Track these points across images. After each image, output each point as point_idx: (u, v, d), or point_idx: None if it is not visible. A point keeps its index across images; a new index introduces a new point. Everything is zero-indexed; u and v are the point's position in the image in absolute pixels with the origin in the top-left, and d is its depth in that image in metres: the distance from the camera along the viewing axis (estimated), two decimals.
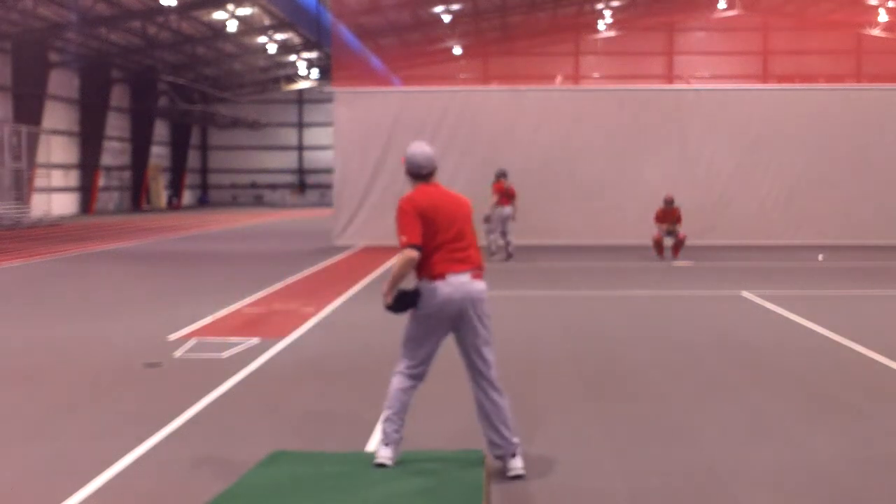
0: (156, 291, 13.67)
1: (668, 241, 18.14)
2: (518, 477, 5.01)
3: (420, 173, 5.20)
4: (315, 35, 39.81)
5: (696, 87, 27.57)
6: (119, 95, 47.08)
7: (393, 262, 5.11)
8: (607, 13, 48.17)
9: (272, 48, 46.71)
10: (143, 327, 10.20)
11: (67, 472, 5.19)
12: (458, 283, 5.02)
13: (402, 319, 5.20)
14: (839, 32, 45.27)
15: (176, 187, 55.47)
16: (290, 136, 61.04)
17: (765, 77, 46.98)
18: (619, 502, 4.79)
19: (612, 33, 50.50)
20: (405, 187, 5.29)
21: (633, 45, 49.32)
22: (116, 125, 47.02)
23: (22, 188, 35.09)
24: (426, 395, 6.89)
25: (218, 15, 39.25)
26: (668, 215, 18.08)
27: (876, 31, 46.34)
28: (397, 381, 5.08)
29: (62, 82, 41.00)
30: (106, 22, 36.57)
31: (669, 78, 48.59)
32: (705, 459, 5.45)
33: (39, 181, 37.36)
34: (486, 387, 5.17)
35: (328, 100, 26.96)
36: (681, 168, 22.15)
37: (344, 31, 31.48)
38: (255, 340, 9.24)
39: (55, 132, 39.90)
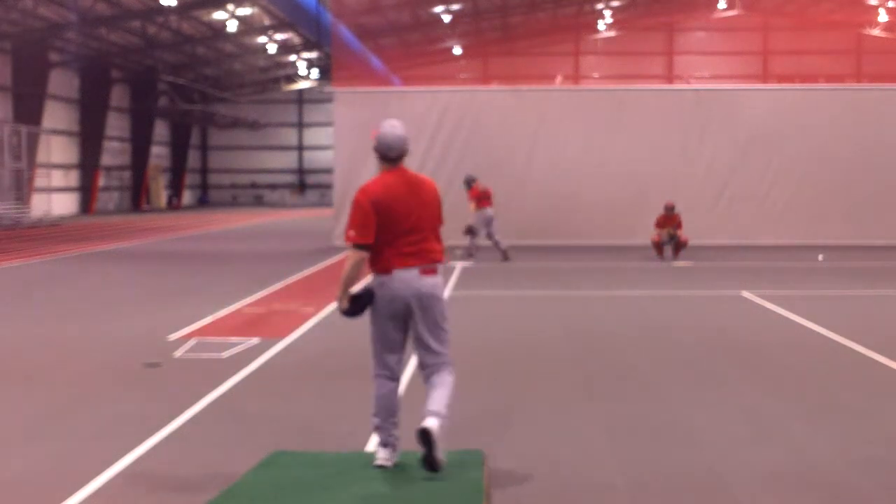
0: (156, 291, 13.67)
1: (669, 243, 18.14)
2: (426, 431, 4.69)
3: (388, 155, 4.93)
4: (315, 35, 39.75)
5: (696, 87, 27.56)
6: (119, 95, 47.08)
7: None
8: (607, 13, 48.15)
9: (272, 48, 46.70)
10: (143, 327, 10.20)
11: (67, 472, 5.19)
12: (405, 279, 4.82)
13: None
14: (839, 32, 45.23)
15: (176, 187, 55.47)
16: (290, 136, 61.04)
17: (765, 77, 46.96)
18: (619, 502, 4.79)
19: (612, 33, 50.48)
20: None
21: (633, 45, 49.30)
22: (116, 125, 47.02)
23: (22, 188, 35.09)
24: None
25: (218, 15, 39.25)
26: (669, 221, 18.11)
27: (876, 31, 46.32)
28: (375, 386, 4.98)
29: (62, 82, 41.00)
30: (106, 22, 36.56)
31: (669, 78, 48.57)
32: (705, 459, 5.45)
33: (39, 181, 37.36)
34: (442, 370, 4.96)
35: (328, 100, 26.98)
36: (681, 168, 22.15)
37: (344, 31, 31.50)
38: (255, 340, 9.24)
39: (55, 132, 39.89)
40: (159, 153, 52.75)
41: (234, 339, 9.35)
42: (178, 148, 55.64)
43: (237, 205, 57.90)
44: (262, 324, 10.41)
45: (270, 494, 4.43)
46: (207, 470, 5.25)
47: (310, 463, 4.92)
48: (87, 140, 43.73)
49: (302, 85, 57.77)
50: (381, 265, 4.86)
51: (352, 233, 4.81)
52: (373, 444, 5.50)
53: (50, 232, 29.06)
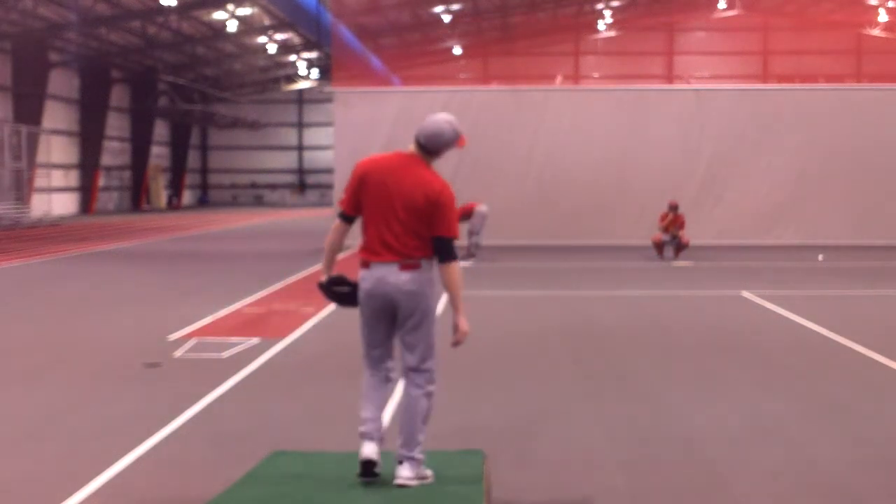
0: (156, 291, 13.67)
1: (671, 244, 18.15)
2: (401, 486, 4.45)
3: (418, 138, 4.59)
4: (315, 35, 39.77)
5: (696, 87, 27.56)
6: (119, 95, 47.09)
7: None
8: (607, 13, 48.16)
9: (272, 48, 46.70)
10: (143, 327, 10.20)
11: (67, 472, 5.19)
12: (379, 275, 4.47)
13: None
14: (839, 32, 45.22)
15: (176, 187, 55.47)
16: (290, 136, 61.05)
17: (765, 77, 46.96)
18: (619, 502, 4.79)
19: (612, 33, 50.48)
20: None
21: (633, 45, 49.29)
22: (116, 125, 47.02)
23: (22, 188, 35.09)
24: None
25: (218, 15, 39.25)
26: (674, 221, 18.12)
27: (876, 31, 46.32)
28: (364, 379, 4.70)
29: (62, 82, 41.00)
30: (106, 22, 36.56)
31: (669, 78, 48.57)
32: (706, 458, 5.45)
33: (39, 181, 37.36)
34: (407, 382, 4.61)
35: (328, 100, 26.98)
36: (681, 168, 22.14)
37: (344, 31, 31.49)
38: (255, 340, 9.24)
39: (55, 132, 39.90)
40: (159, 153, 52.75)
41: (234, 339, 9.35)
42: (178, 148, 55.64)
43: (237, 205, 57.91)
44: (262, 324, 10.41)
45: (270, 494, 4.42)
46: (207, 470, 5.25)
47: (310, 463, 4.92)
48: (87, 140, 43.73)
49: (302, 85, 57.77)
50: (361, 253, 4.56)
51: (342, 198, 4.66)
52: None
53: (50, 232, 29.06)
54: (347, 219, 4.62)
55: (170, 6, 34.59)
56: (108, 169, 46.61)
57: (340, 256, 4.74)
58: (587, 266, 17.25)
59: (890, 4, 43.42)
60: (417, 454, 4.51)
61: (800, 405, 6.73)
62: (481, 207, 18.10)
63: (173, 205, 53.74)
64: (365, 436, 4.55)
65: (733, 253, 19.57)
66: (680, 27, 50.00)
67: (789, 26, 46.26)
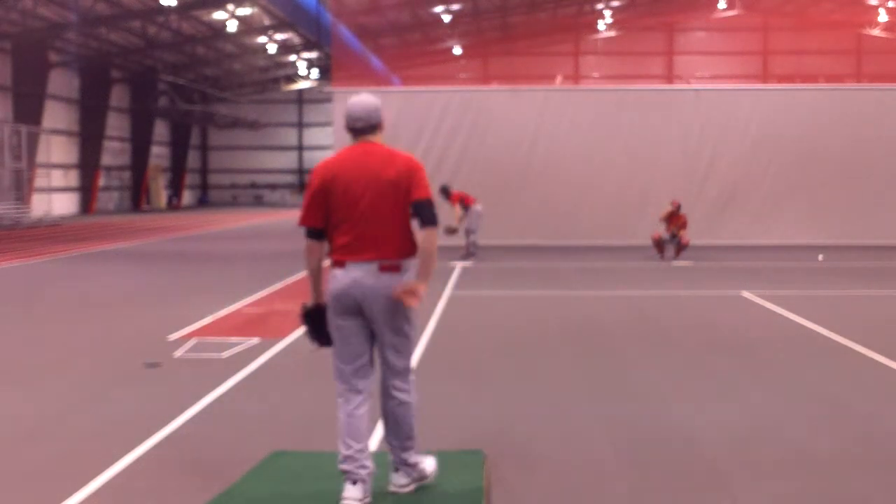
0: (156, 291, 13.67)
1: (671, 243, 18.15)
2: (395, 492, 4.33)
3: (353, 126, 4.29)
4: (315, 35, 39.81)
5: (696, 87, 27.55)
6: (119, 95, 47.10)
7: None
8: (607, 13, 48.17)
9: (272, 48, 46.72)
10: (142, 327, 10.20)
11: (67, 472, 5.19)
12: (355, 276, 4.14)
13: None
14: (839, 32, 45.23)
15: (176, 187, 55.49)
16: (289, 136, 61.07)
17: (765, 77, 46.96)
18: (619, 501, 4.79)
19: (612, 33, 50.49)
20: None
21: (633, 45, 49.30)
22: (116, 125, 47.04)
23: (22, 188, 35.11)
24: (426, 395, 6.89)
25: (218, 15, 39.26)
26: (676, 220, 18.14)
27: (876, 31, 46.32)
28: (337, 406, 4.33)
29: (62, 82, 41.02)
30: (106, 22, 36.59)
31: (669, 78, 48.57)
32: (706, 458, 5.45)
33: (39, 181, 37.39)
34: (388, 390, 4.32)
35: (328, 100, 26.96)
36: (681, 168, 22.15)
37: (344, 31, 31.50)
38: (255, 340, 9.23)
39: (55, 132, 39.91)
40: (159, 153, 52.77)
41: (234, 339, 9.35)
42: (178, 148, 55.66)
43: (237, 205, 57.92)
44: (262, 324, 10.41)
45: (270, 494, 4.42)
46: (207, 470, 5.25)
47: (309, 463, 4.92)
48: (87, 140, 43.76)
49: (302, 85, 57.78)
50: (332, 255, 4.23)
51: (301, 214, 4.28)
52: (374, 443, 5.48)
53: (50, 232, 29.06)
54: (318, 234, 4.24)
55: (170, 6, 34.60)
56: (108, 169, 46.62)
57: (325, 264, 4.38)
58: (587, 266, 17.25)
59: (890, 4, 43.42)
60: (414, 457, 4.35)
61: (800, 404, 6.73)
62: (477, 206, 18.14)
63: (173, 205, 53.76)
64: (349, 476, 4.20)
65: (733, 253, 19.56)
66: (680, 27, 50.01)
67: (789, 26, 46.26)
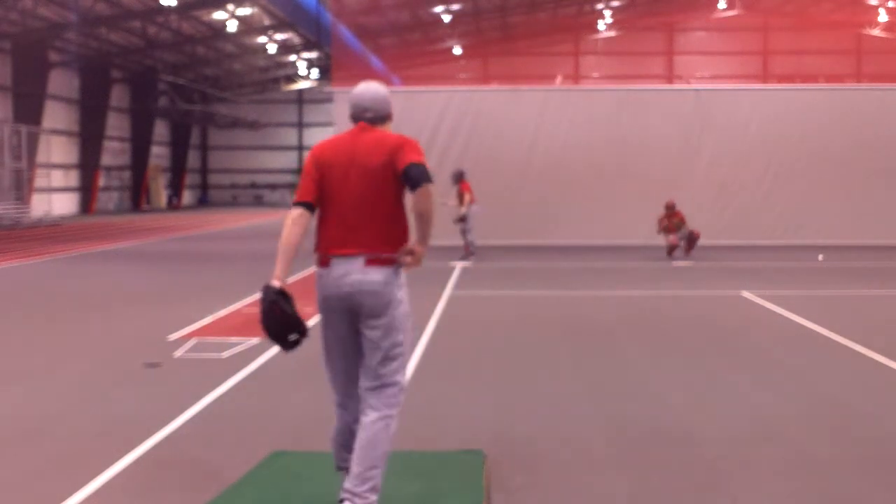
0: (156, 291, 13.67)
1: (682, 238, 18.24)
2: None
3: (361, 116, 4.08)
4: (315, 35, 39.81)
5: (696, 87, 27.56)
6: (119, 95, 47.10)
7: None
8: (607, 13, 48.20)
9: (272, 48, 46.72)
10: (143, 327, 10.20)
11: (67, 472, 5.19)
12: (340, 273, 3.91)
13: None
14: (839, 32, 45.27)
15: (176, 187, 55.49)
16: (289, 136, 61.07)
17: (765, 77, 46.99)
18: (619, 501, 4.79)
19: (612, 33, 50.52)
20: None
21: (633, 45, 49.34)
22: (116, 125, 47.04)
23: (22, 188, 35.12)
24: (426, 395, 6.89)
25: (218, 15, 39.27)
26: (673, 219, 18.17)
27: (876, 31, 46.36)
28: (337, 418, 4.14)
29: (62, 82, 41.02)
30: (106, 22, 36.59)
31: (669, 78, 48.59)
32: (705, 458, 5.45)
33: (39, 181, 37.40)
34: (365, 405, 3.97)
35: (328, 100, 26.97)
36: (680, 168, 22.14)
37: (344, 31, 31.52)
38: (255, 340, 9.23)
39: (55, 132, 39.92)
40: (159, 153, 52.77)
41: (234, 339, 9.35)
42: (178, 148, 55.67)
43: (237, 205, 57.93)
44: None
45: (270, 494, 4.42)
46: (207, 470, 5.25)
47: (309, 463, 4.92)
48: (87, 140, 43.76)
49: (302, 85, 57.78)
50: (318, 249, 4.03)
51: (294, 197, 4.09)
52: None
53: (50, 232, 29.06)
54: (309, 206, 3.98)
55: (170, 6, 34.61)
56: (108, 169, 46.62)
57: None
58: (587, 266, 17.25)
59: (890, 4, 43.44)
60: (368, 495, 3.83)
61: (799, 404, 6.73)
62: (475, 207, 18.09)
63: (173, 205, 53.76)
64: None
65: (733, 253, 19.56)
66: (680, 27, 50.05)
67: (789, 26, 46.30)
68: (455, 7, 42.32)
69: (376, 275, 3.87)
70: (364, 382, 3.95)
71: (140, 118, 48.86)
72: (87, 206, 43.82)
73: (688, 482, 5.05)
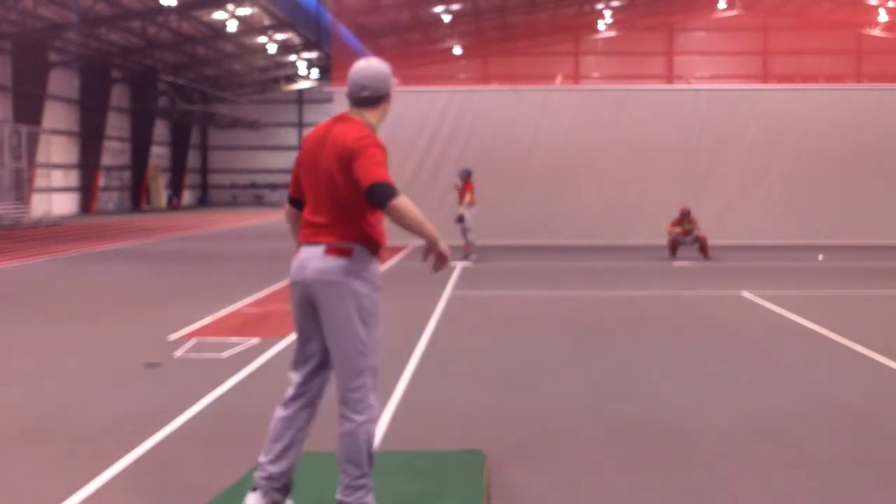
0: (156, 291, 13.67)
1: (692, 244, 18.24)
2: None
3: (357, 95, 3.98)
4: (315, 35, 39.82)
5: (696, 87, 27.56)
6: (119, 95, 47.11)
7: None
8: (607, 13, 48.18)
9: (272, 48, 46.73)
10: (143, 327, 10.20)
11: (67, 472, 5.19)
12: (301, 260, 3.95)
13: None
14: (839, 32, 45.26)
15: (176, 187, 55.50)
16: (289, 136, 61.06)
17: (765, 77, 46.99)
18: (619, 501, 4.78)
19: (612, 33, 50.51)
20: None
21: (633, 45, 49.33)
22: (116, 125, 47.05)
23: (22, 188, 35.12)
24: (426, 395, 6.90)
25: (218, 15, 39.28)
26: (686, 226, 18.23)
27: (876, 31, 46.35)
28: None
29: (62, 82, 41.02)
30: (106, 22, 36.60)
31: (669, 78, 48.59)
32: (705, 457, 5.45)
33: (39, 181, 37.40)
34: (339, 409, 4.07)
35: (328, 100, 26.97)
36: (680, 168, 22.16)
37: (344, 31, 31.51)
38: (255, 340, 9.23)
39: (55, 132, 39.92)
40: (159, 153, 52.78)
41: (234, 339, 9.35)
42: (178, 148, 55.67)
43: (237, 205, 57.94)
44: (262, 324, 10.40)
45: None
46: (207, 470, 5.25)
47: (310, 463, 4.92)
48: (87, 140, 43.77)
49: (302, 85, 57.79)
50: (297, 238, 4.08)
51: None
52: (375, 443, 5.46)
53: (50, 232, 29.06)
54: (294, 202, 4.11)
55: (170, 6, 34.61)
56: (108, 169, 46.63)
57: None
58: (587, 266, 17.25)
59: (890, 4, 43.43)
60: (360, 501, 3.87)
61: (799, 404, 6.73)
62: (474, 208, 18.04)
63: (173, 205, 53.77)
64: (255, 485, 4.01)
65: (733, 253, 19.56)
66: (680, 27, 50.04)
67: (789, 26, 46.29)
68: (455, 7, 42.31)
69: (334, 262, 3.85)
70: (337, 391, 3.97)
71: (140, 118, 48.86)
72: (87, 206, 43.82)
73: (688, 482, 5.05)
